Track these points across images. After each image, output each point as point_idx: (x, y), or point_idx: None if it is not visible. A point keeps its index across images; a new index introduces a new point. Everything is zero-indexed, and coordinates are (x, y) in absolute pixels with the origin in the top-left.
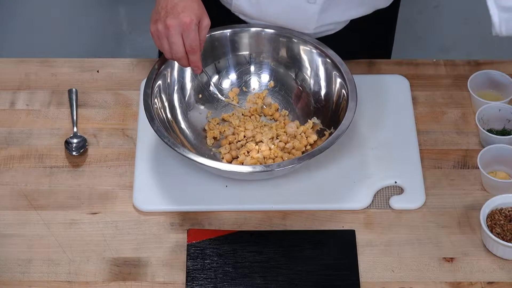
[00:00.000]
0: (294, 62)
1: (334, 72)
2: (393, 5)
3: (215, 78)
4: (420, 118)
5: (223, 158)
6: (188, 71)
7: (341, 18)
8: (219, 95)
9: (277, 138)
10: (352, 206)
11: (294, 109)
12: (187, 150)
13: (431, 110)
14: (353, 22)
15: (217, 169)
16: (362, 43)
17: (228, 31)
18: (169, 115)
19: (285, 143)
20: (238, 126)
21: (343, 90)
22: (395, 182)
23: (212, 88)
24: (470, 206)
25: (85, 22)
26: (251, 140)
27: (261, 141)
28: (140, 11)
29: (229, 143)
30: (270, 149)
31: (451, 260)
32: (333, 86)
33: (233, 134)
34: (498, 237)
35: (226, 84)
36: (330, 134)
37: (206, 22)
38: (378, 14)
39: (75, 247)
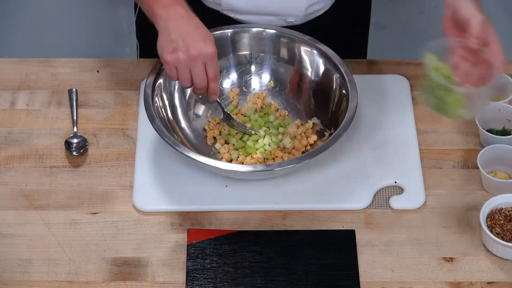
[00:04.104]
0: (295, 63)
1: (334, 73)
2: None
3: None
4: (420, 118)
5: (222, 158)
6: None
7: None
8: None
9: None
10: (352, 206)
11: (294, 109)
12: (187, 149)
13: (431, 110)
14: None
15: (217, 168)
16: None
17: (229, 31)
18: (169, 115)
19: None
20: None
21: (343, 90)
22: (395, 182)
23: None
24: (470, 206)
25: (85, 22)
26: None
27: None
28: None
29: (228, 143)
30: None
31: (451, 260)
32: (333, 86)
33: None
34: (498, 237)
35: (226, 84)
36: (330, 134)
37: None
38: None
39: (75, 247)
